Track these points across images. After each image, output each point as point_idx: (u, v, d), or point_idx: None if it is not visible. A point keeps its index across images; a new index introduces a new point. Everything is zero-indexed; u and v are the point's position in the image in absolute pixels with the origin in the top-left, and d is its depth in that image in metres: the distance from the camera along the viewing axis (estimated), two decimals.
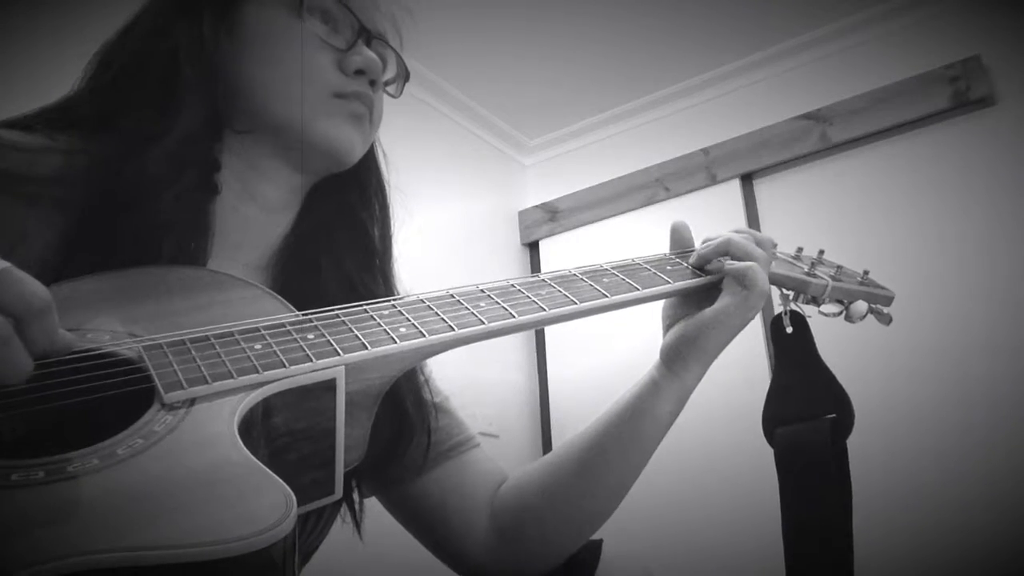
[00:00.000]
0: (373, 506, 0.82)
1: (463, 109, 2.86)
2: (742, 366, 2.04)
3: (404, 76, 0.81)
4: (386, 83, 0.80)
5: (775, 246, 0.78)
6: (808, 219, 2.47)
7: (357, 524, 0.77)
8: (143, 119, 0.67)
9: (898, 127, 2.39)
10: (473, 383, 2.45)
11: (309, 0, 0.71)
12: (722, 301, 0.71)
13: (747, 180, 2.65)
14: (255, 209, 0.74)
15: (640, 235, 2.72)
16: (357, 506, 0.77)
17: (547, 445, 2.75)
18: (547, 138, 3.13)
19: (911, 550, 1.96)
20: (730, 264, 0.72)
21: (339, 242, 0.78)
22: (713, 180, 2.68)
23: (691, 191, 2.71)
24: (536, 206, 3.06)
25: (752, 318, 0.72)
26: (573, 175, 3.02)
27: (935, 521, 1.99)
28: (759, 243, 0.75)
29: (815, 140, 2.51)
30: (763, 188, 2.63)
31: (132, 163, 0.64)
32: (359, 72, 0.73)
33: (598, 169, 2.95)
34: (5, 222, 0.61)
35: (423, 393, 0.79)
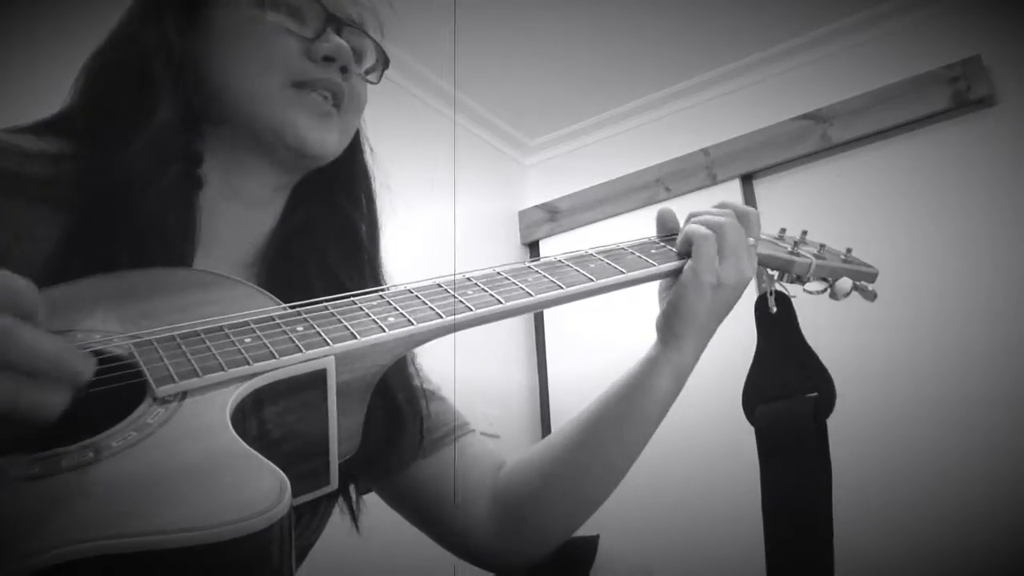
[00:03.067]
0: (370, 500, 0.82)
1: (463, 109, 2.86)
2: (741, 362, 2.04)
3: (383, 63, 0.81)
4: (366, 71, 0.80)
5: (758, 218, 0.79)
6: (808, 219, 2.44)
7: (354, 518, 0.78)
8: (122, 121, 0.68)
9: (898, 127, 2.38)
10: (472, 382, 2.45)
11: None
12: (683, 271, 0.74)
13: (747, 180, 2.65)
14: (238, 205, 0.75)
15: (640, 235, 2.71)
16: (354, 501, 0.78)
17: None
18: (547, 138, 3.13)
19: (910, 548, 1.96)
20: (690, 225, 0.75)
21: (326, 239, 0.78)
22: (713, 180, 2.68)
23: (691, 191, 2.71)
24: (536, 206, 3.06)
25: (710, 282, 0.73)
26: (573, 175, 3.02)
27: (935, 519, 1.99)
28: (741, 216, 0.77)
29: (815, 140, 2.51)
30: (763, 188, 2.63)
31: (116, 163, 0.65)
32: (328, 59, 0.72)
33: (598, 169, 2.95)
34: (2, 221, 0.62)
35: (413, 383, 0.80)
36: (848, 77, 2.52)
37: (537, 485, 0.80)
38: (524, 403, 2.80)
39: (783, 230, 0.87)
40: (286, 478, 0.42)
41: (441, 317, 0.59)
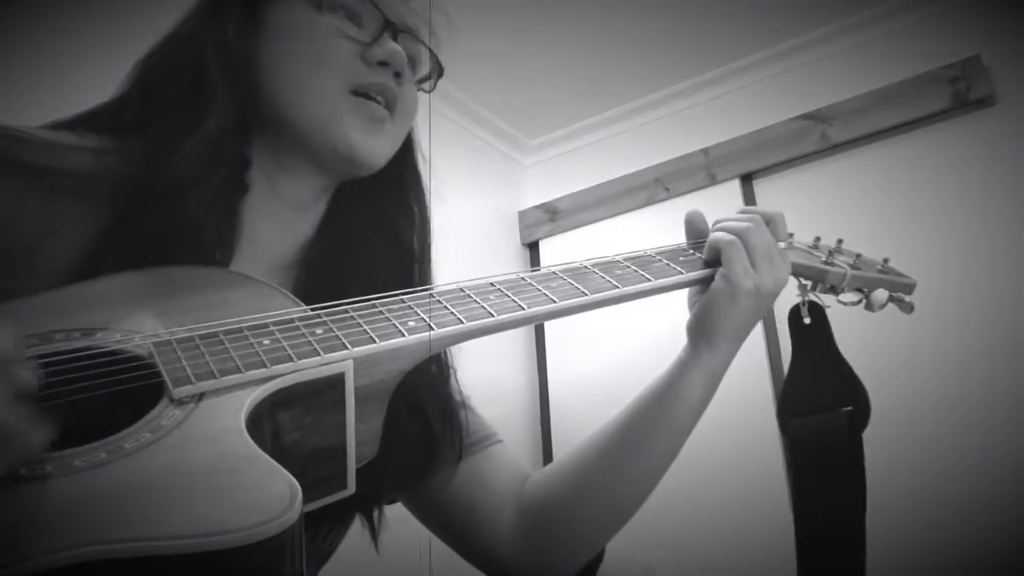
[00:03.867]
0: (391, 516, 0.81)
1: (463, 109, 2.86)
2: (743, 362, 2.04)
3: (438, 72, 0.81)
4: (420, 80, 0.80)
5: (783, 220, 0.78)
6: (808, 219, 2.43)
7: (374, 535, 0.77)
8: (173, 120, 0.67)
9: (898, 127, 2.38)
10: (472, 384, 2.44)
11: None
12: (715, 278, 0.73)
13: (747, 180, 2.65)
14: (281, 207, 0.74)
15: (640, 235, 2.71)
16: (376, 518, 0.77)
17: (547, 447, 2.74)
18: (547, 138, 3.13)
19: (915, 546, 1.96)
20: (715, 234, 0.74)
21: (370, 246, 0.77)
22: (713, 180, 2.68)
23: (691, 191, 2.70)
24: (536, 206, 3.05)
25: (747, 288, 0.71)
26: (573, 175, 3.01)
27: (936, 517, 1.99)
28: (769, 220, 0.76)
29: (815, 140, 2.51)
30: (763, 188, 2.63)
31: (161, 163, 0.64)
32: (382, 64, 0.72)
33: (598, 169, 2.95)
34: (35, 214, 0.61)
35: (452, 396, 0.79)
36: (848, 77, 2.52)
37: (566, 495, 0.78)
38: (524, 403, 2.80)
39: (818, 238, 0.85)
40: (297, 483, 0.41)
41: (462, 322, 0.59)
